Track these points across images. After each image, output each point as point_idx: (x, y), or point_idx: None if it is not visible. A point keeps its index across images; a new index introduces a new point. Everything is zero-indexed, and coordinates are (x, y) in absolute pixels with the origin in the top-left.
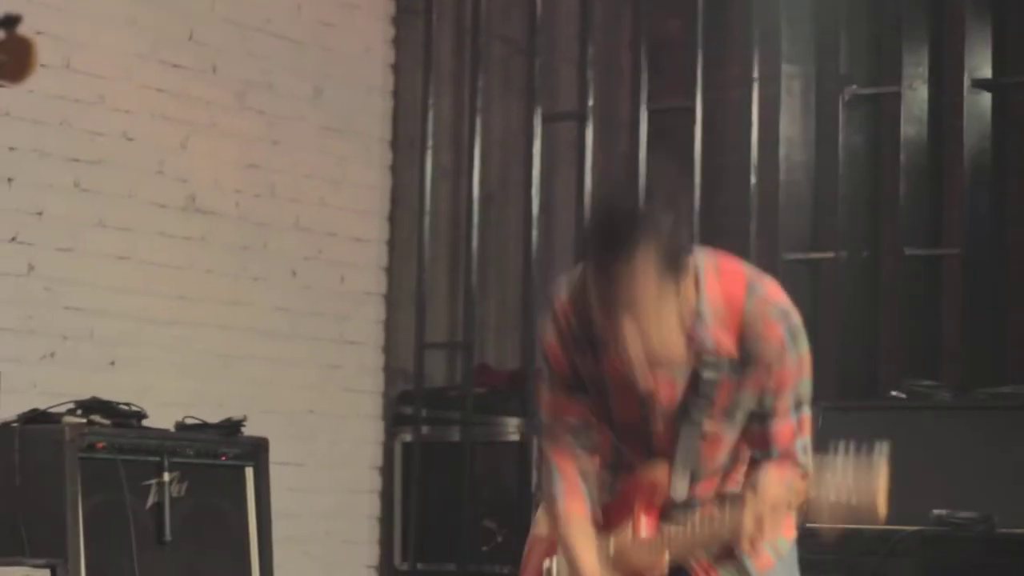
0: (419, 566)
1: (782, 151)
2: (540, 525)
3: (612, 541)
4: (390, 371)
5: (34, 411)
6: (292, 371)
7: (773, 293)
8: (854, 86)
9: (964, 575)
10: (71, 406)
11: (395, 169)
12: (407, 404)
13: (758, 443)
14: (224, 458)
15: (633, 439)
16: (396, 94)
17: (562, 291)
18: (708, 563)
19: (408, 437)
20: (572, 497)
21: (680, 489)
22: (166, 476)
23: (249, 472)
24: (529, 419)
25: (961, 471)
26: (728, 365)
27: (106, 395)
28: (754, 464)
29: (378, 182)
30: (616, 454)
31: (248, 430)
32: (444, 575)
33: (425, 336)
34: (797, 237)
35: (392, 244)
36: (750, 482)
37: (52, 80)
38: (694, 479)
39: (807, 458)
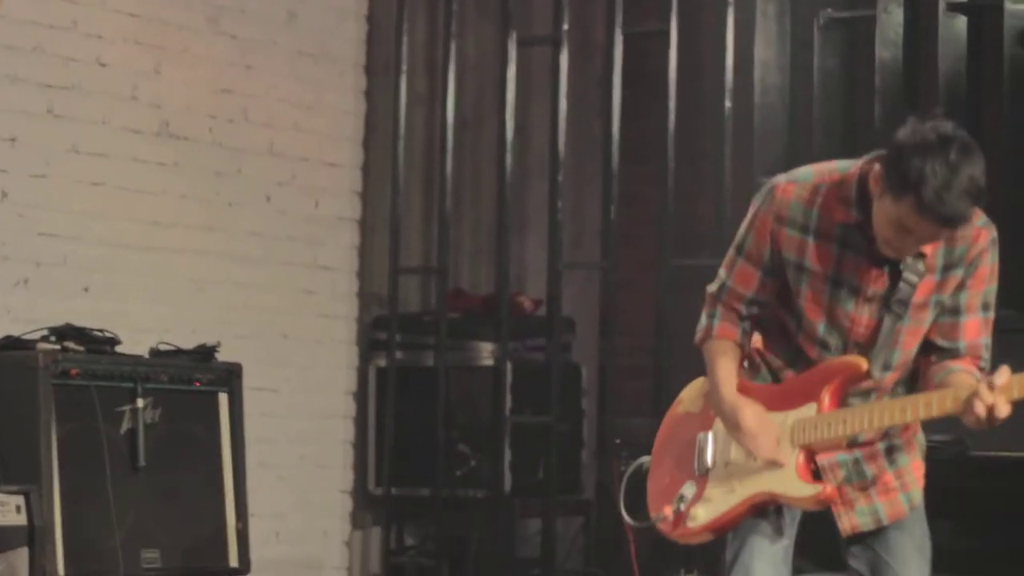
0: (393, 491)
1: (757, 75)
2: (687, 403)
3: (791, 415)
4: (364, 296)
5: (7, 338)
6: (266, 296)
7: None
8: (829, 9)
9: (937, 498)
10: (45, 333)
11: (369, 94)
12: (381, 329)
13: (947, 334)
14: (198, 384)
15: (816, 329)
16: (370, 18)
17: (783, 179)
18: (850, 499)
19: (382, 362)
20: (727, 329)
21: (877, 374)
22: (140, 402)
23: (223, 398)
24: (502, 344)
25: None
26: (928, 267)
27: (80, 321)
28: (938, 352)
29: (352, 107)
30: (790, 346)
31: (222, 356)
32: (418, 500)
33: (399, 261)
34: (772, 160)
35: (366, 169)
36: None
37: (25, 5)
38: (885, 368)
39: (988, 354)
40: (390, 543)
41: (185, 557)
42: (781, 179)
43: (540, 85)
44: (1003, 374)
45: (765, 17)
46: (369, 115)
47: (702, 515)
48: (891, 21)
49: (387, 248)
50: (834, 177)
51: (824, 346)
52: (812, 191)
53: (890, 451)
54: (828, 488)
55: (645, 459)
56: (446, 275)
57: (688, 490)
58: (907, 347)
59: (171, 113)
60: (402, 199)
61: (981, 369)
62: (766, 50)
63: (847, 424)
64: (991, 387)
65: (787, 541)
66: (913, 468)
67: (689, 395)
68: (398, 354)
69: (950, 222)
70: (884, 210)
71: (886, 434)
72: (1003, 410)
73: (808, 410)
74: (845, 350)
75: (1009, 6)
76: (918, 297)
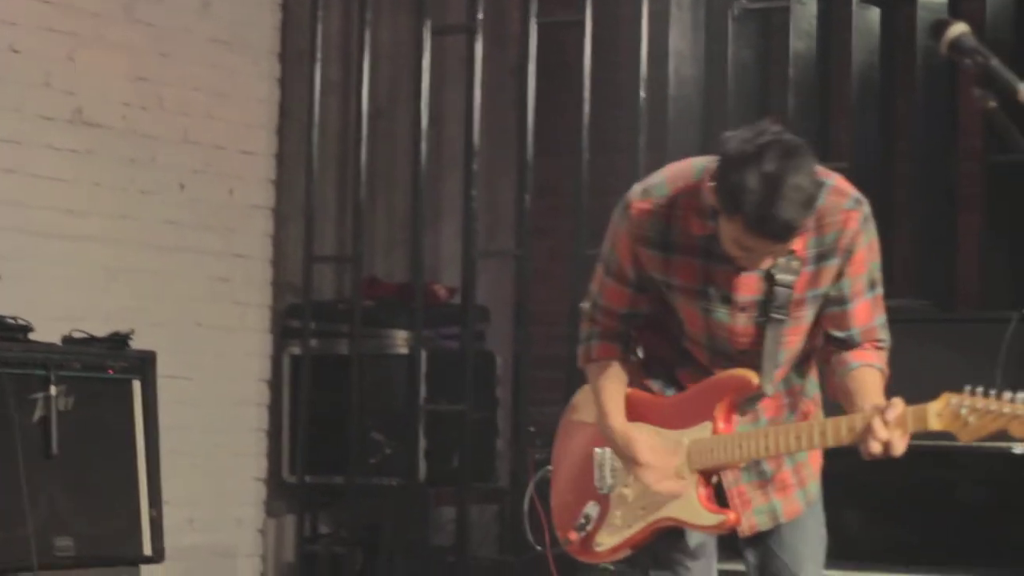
0: (307, 478)
1: (671, 66)
2: (581, 411)
3: (686, 435)
4: (278, 284)
5: None
6: (180, 284)
7: (842, 184)
8: (743, 0)
9: (839, 488)
10: None
11: (284, 82)
12: (295, 317)
13: (839, 324)
14: (111, 371)
15: (701, 339)
16: (285, 6)
17: (637, 195)
18: (748, 499)
19: (296, 350)
20: (607, 349)
21: (768, 385)
22: (53, 390)
23: (136, 385)
24: (417, 332)
25: None
26: (801, 261)
27: None
28: (835, 342)
29: (266, 95)
30: (679, 353)
31: (135, 343)
32: (332, 487)
33: (314, 249)
34: (686, 151)
35: (281, 157)
36: (851, 387)
37: None
38: (773, 368)
39: (886, 333)
40: (304, 531)
41: (99, 545)
42: (636, 194)
43: (455, 74)
44: (896, 407)
45: (679, 8)
46: (283, 103)
47: (608, 541)
48: (805, 12)
49: (301, 236)
50: (689, 185)
51: (713, 352)
52: (668, 205)
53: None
54: (732, 516)
55: (548, 469)
56: (360, 263)
57: (592, 510)
58: (791, 346)
59: (85, 100)
60: (316, 187)
61: (879, 349)
62: (681, 41)
63: (743, 449)
64: (885, 422)
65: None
66: (811, 460)
67: (584, 401)
68: (312, 342)
69: (780, 237)
70: (723, 229)
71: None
72: (899, 447)
73: (703, 430)
74: (732, 358)
75: None
76: (795, 294)
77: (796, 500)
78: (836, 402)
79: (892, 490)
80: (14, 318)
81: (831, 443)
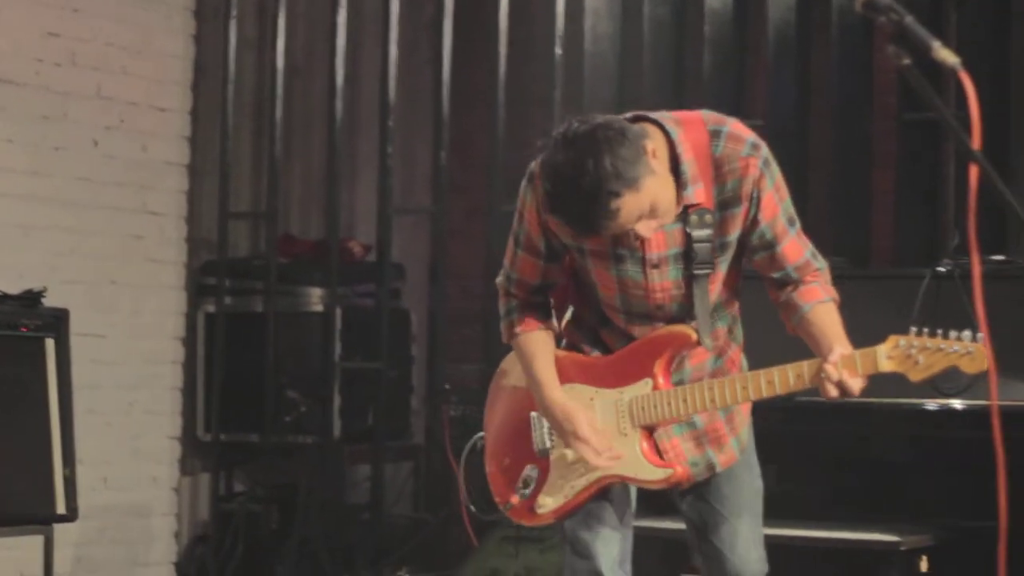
0: (222, 436)
1: (587, 22)
2: (511, 375)
3: (626, 392)
4: (193, 241)
5: None
6: (93, 242)
7: (737, 130)
8: None
9: (764, 444)
10: None
11: (198, 38)
12: (210, 275)
13: (774, 266)
14: (24, 329)
15: (614, 302)
16: None
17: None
18: (682, 452)
19: (211, 307)
20: (530, 322)
21: (707, 339)
22: None
23: (50, 344)
24: (332, 289)
25: (766, 340)
26: (711, 211)
27: None
28: (776, 283)
29: (181, 51)
30: (599, 316)
31: (49, 301)
32: (247, 445)
33: (228, 206)
34: (601, 107)
35: (195, 114)
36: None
37: None
38: (711, 329)
39: (819, 259)
40: (219, 489)
41: (12, 504)
42: (539, 165)
43: (371, 31)
44: (836, 351)
45: None
46: (198, 60)
47: (550, 502)
48: None
49: (216, 193)
50: None
51: (628, 314)
52: None
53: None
54: (679, 469)
55: (479, 437)
56: (275, 220)
57: (531, 473)
58: (712, 292)
59: None
60: (231, 144)
61: (820, 278)
62: None
63: (687, 403)
64: (833, 364)
65: (633, 505)
66: (742, 408)
67: (514, 367)
68: (227, 300)
69: (594, 230)
70: None
71: (713, 376)
72: (854, 387)
73: (643, 387)
74: (649, 316)
75: None
76: (708, 215)
77: (731, 449)
78: (797, 337)
79: (806, 446)
80: None
81: (779, 391)
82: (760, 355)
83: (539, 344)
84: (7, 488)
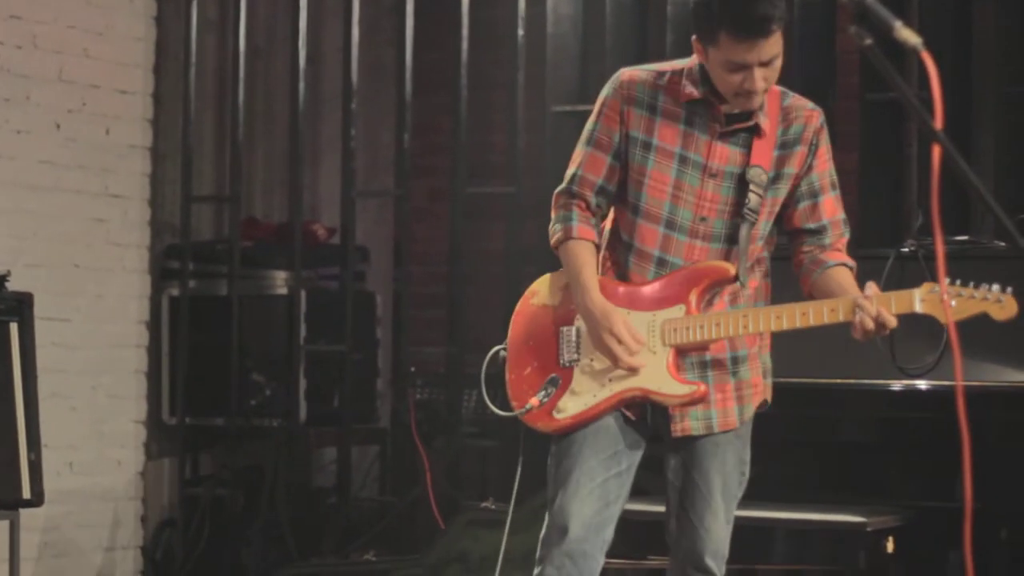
0: (187, 420)
1: (549, 3)
2: (541, 296)
3: (659, 315)
4: (156, 225)
5: None
6: (57, 225)
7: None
8: None
9: None
10: None
11: (160, 20)
12: (174, 258)
13: (810, 216)
14: None
15: (661, 209)
16: None
17: (628, 68)
18: (685, 407)
19: (175, 291)
20: (586, 231)
21: (744, 278)
22: None
23: (13, 327)
24: (296, 272)
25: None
26: (773, 146)
27: None
28: (808, 237)
29: (143, 33)
30: (632, 254)
31: (12, 285)
32: (212, 429)
33: (192, 189)
34: (564, 89)
35: (158, 96)
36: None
37: None
38: (749, 270)
39: (848, 228)
40: (185, 473)
41: None
42: (626, 69)
43: (333, 13)
44: (871, 286)
45: None
46: (160, 41)
47: (571, 407)
48: None
49: (179, 176)
50: (676, 67)
51: (669, 226)
52: (656, 76)
53: (735, 361)
54: (703, 387)
55: (500, 348)
56: (239, 204)
57: (554, 381)
58: (755, 237)
59: None
60: (194, 127)
61: (844, 241)
62: None
63: (721, 327)
64: (869, 299)
65: (622, 468)
66: (753, 382)
67: (544, 288)
68: (191, 283)
69: (763, 30)
70: (714, 62)
71: (733, 344)
72: (891, 320)
73: (677, 311)
74: (691, 226)
75: None
76: (764, 175)
77: (732, 414)
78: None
79: (773, 428)
80: None
81: (813, 321)
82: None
83: (590, 254)
84: None
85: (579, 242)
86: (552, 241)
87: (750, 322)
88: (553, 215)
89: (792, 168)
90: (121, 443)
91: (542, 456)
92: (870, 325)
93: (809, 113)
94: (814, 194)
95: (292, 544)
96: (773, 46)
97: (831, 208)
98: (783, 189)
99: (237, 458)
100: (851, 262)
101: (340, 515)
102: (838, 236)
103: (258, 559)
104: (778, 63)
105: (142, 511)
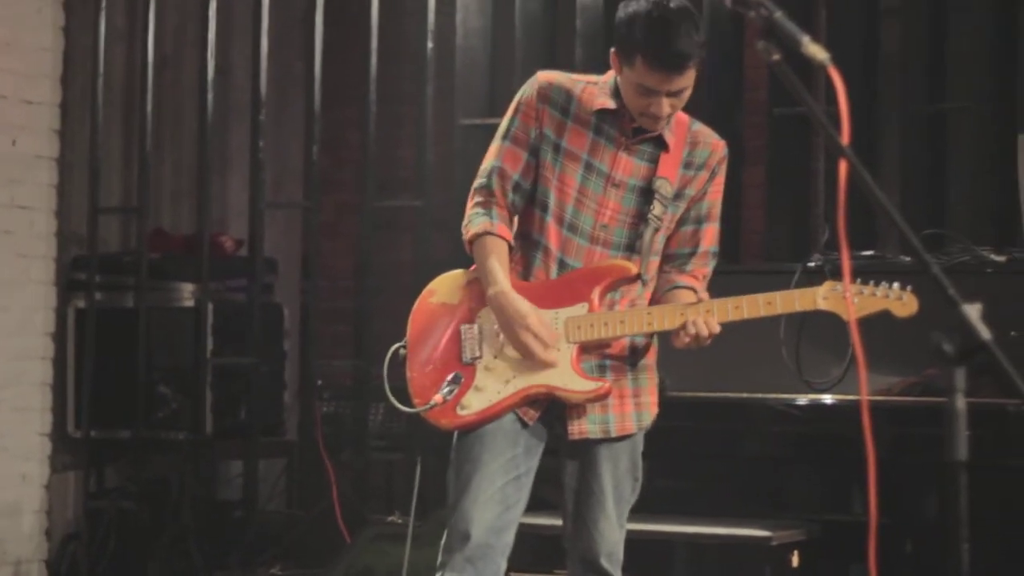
0: (93, 433)
1: (459, 16)
2: (440, 294)
3: (562, 313)
4: (63, 236)
5: None
6: None
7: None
8: None
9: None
10: None
11: (68, 30)
12: (80, 269)
13: (689, 242)
14: None
15: (565, 212)
16: None
17: (545, 71)
18: (583, 406)
19: (81, 303)
20: (504, 229)
21: (645, 275)
22: None
23: None
24: (203, 284)
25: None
26: (678, 166)
27: None
28: (673, 260)
29: (50, 44)
30: (536, 250)
31: None
32: (118, 442)
33: (99, 200)
34: (473, 103)
35: (65, 107)
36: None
37: None
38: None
39: (713, 263)
40: (90, 486)
41: None
42: (545, 71)
43: (242, 23)
44: (773, 294)
45: None
46: (68, 52)
47: (475, 403)
48: None
49: (86, 187)
50: (591, 79)
51: (571, 229)
52: (572, 82)
53: (634, 367)
54: (607, 384)
55: (399, 346)
56: (146, 215)
57: (457, 378)
58: (656, 247)
59: None
60: (101, 138)
61: (705, 273)
62: None
63: (625, 324)
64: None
65: (520, 472)
66: (650, 391)
67: (442, 287)
68: (97, 295)
69: (676, 65)
70: (626, 81)
71: (633, 351)
72: (716, 328)
73: (580, 309)
74: (592, 232)
75: None
76: (669, 187)
77: (630, 419)
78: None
79: (678, 440)
80: None
81: (718, 317)
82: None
83: (504, 251)
84: None
85: (496, 239)
86: (467, 235)
87: (655, 318)
88: (470, 209)
89: (691, 190)
90: (26, 456)
91: (445, 469)
92: (704, 331)
93: (716, 143)
94: (699, 220)
95: (198, 558)
96: (685, 80)
97: (710, 237)
98: (681, 207)
99: (143, 471)
100: (702, 293)
101: (247, 528)
102: (701, 265)
103: (164, 572)
104: (686, 94)
105: (47, 524)
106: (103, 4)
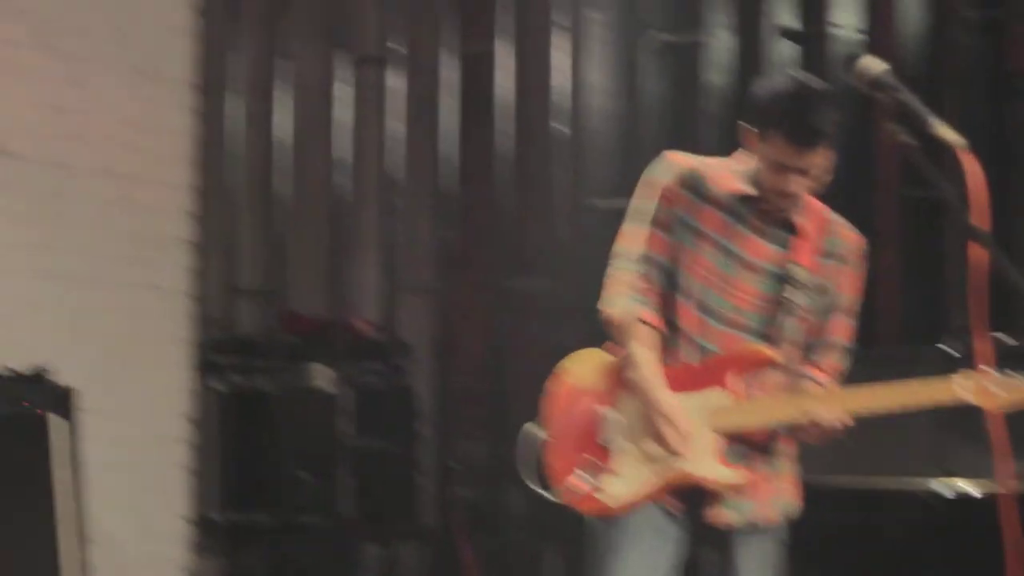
0: (231, 517)
1: (589, 98)
2: (575, 375)
3: (703, 397)
4: (199, 318)
5: None
6: (100, 318)
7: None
8: (657, 33)
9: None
10: None
11: (202, 113)
12: (217, 352)
13: (820, 333)
14: (29, 406)
15: (698, 293)
16: (202, 37)
17: (674, 152)
18: (724, 497)
19: (218, 385)
20: (651, 315)
21: (784, 358)
22: None
23: (57, 421)
24: (339, 366)
25: None
26: (816, 255)
27: None
28: (804, 350)
29: (185, 126)
30: (679, 320)
31: (54, 378)
32: (256, 526)
33: (234, 283)
34: (602, 183)
35: (200, 189)
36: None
37: None
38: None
39: (846, 360)
40: (229, 569)
41: None
42: (674, 152)
43: (373, 106)
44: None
45: (595, 41)
46: (202, 134)
47: (616, 490)
48: (721, 46)
49: (221, 270)
50: (721, 161)
51: (707, 312)
52: (704, 165)
53: (774, 454)
54: (747, 471)
55: (535, 427)
56: (281, 297)
57: (597, 464)
58: (794, 333)
59: (1, 130)
60: (237, 220)
61: (835, 368)
62: (596, 73)
63: (769, 411)
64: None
65: (665, 565)
66: (789, 478)
67: (578, 368)
68: (234, 377)
69: (812, 140)
70: (760, 156)
71: (773, 438)
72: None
73: (720, 395)
74: (727, 315)
75: (836, 33)
76: (805, 274)
77: (771, 506)
78: None
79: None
80: None
81: (863, 409)
82: None
83: (652, 339)
84: (10, 570)
85: (644, 326)
86: (612, 317)
87: (805, 404)
88: (614, 290)
89: (827, 280)
90: (165, 539)
91: (585, 555)
92: (835, 425)
93: (855, 237)
94: (833, 311)
95: None
96: (819, 157)
97: (842, 331)
98: (816, 296)
99: (281, 554)
100: (831, 387)
101: None
102: (832, 358)
103: None
104: (820, 174)
105: None
106: (236, 87)
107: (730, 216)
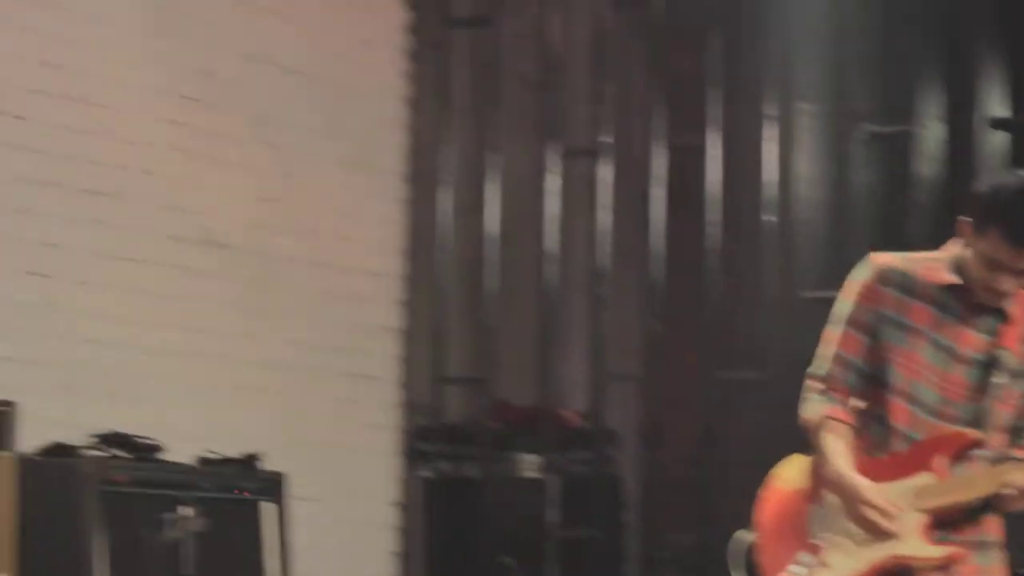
0: None
1: (799, 188)
2: (785, 479)
3: (908, 483)
4: (407, 406)
5: (54, 445)
6: (309, 406)
7: None
8: (869, 124)
9: None
10: (90, 439)
11: (411, 204)
12: (424, 439)
13: (1021, 415)
14: (242, 492)
15: (908, 387)
16: (411, 128)
17: (879, 254)
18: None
19: (426, 472)
20: (841, 413)
21: (989, 440)
22: (184, 510)
23: (267, 507)
24: (546, 454)
25: None
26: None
27: (123, 428)
28: (1014, 433)
29: (394, 216)
30: (881, 433)
31: (265, 464)
32: None
33: (442, 371)
34: (813, 275)
35: (408, 279)
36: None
37: (67, 112)
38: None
39: None
40: None
41: None
42: (877, 253)
43: (586, 199)
44: None
45: (805, 132)
46: (411, 225)
47: None
48: (930, 136)
49: (430, 358)
50: (928, 255)
51: (918, 404)
52: (908, 261)
53: (983, 545)
54: (958, 548)
55: (744, 532)
56: (489, 386)
57: (806, 558)
58: (1004, 411)
59: (213, 220)
60: (444, 309)
61: None
62: (806, 164)
63: (974, 487)
64: None
65: None
66: (999, 571)
67: (790, 471)
68: (441, 464)
69: None
70: (975, 252)
71: (983, 528)
72: None
73: (925, 477)
74: (938, 407)
75: None
76: (1013, 359)
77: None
78: None
79: None
80: (145, 438)
81: None
82: None
83: (842, 433)
84: None
85: (835, 423)
86: (806, 420)
87: (1002, 476)
88: (807, 393)
89: None
90: None
91: None
92: None
93: None
94: None
95: None
96: None
97: None
98: (1022, 382)
99: None
100: None
101: None
102: None
103: None
104: None
105: None
106: (445, 179)
107: (939, 309)
